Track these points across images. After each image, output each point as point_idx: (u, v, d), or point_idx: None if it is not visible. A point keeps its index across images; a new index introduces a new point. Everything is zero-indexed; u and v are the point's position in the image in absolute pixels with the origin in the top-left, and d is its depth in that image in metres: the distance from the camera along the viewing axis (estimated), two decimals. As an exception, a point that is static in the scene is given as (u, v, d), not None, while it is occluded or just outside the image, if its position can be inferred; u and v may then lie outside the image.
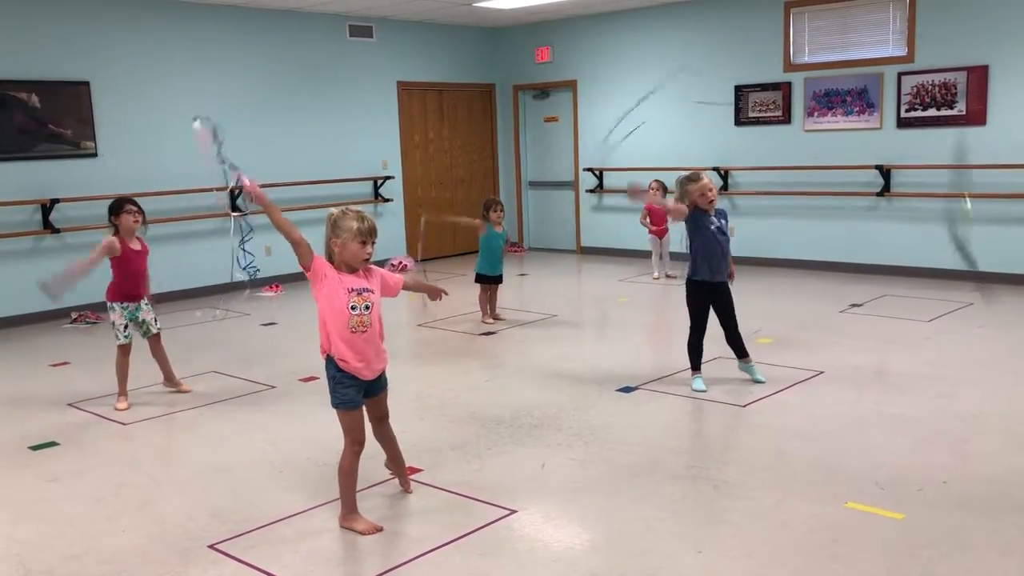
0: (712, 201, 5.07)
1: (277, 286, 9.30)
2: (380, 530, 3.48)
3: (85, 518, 3.74)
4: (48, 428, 4.96)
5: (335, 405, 3.48)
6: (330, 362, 3.45)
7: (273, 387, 5.62)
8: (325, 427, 4.69)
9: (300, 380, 5.73)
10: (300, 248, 3.37)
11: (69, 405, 5.39)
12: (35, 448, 4.64)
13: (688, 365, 5.29)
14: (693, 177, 5.11)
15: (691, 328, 5.22)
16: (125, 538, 3.53)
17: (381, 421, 3.71)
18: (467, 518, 3.57)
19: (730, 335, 5.25)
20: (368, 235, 3.37)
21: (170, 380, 5.58)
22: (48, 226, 7.98)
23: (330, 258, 3.42)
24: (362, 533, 3.46)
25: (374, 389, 3.56)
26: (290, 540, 3.46)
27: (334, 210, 3.43)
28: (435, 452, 4.33)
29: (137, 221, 5.27)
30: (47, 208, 7.96)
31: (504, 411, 4.94)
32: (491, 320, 7.32)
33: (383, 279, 3.56)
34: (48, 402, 5.47)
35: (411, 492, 3.85)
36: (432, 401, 5.20)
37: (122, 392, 5.31)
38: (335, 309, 3.37)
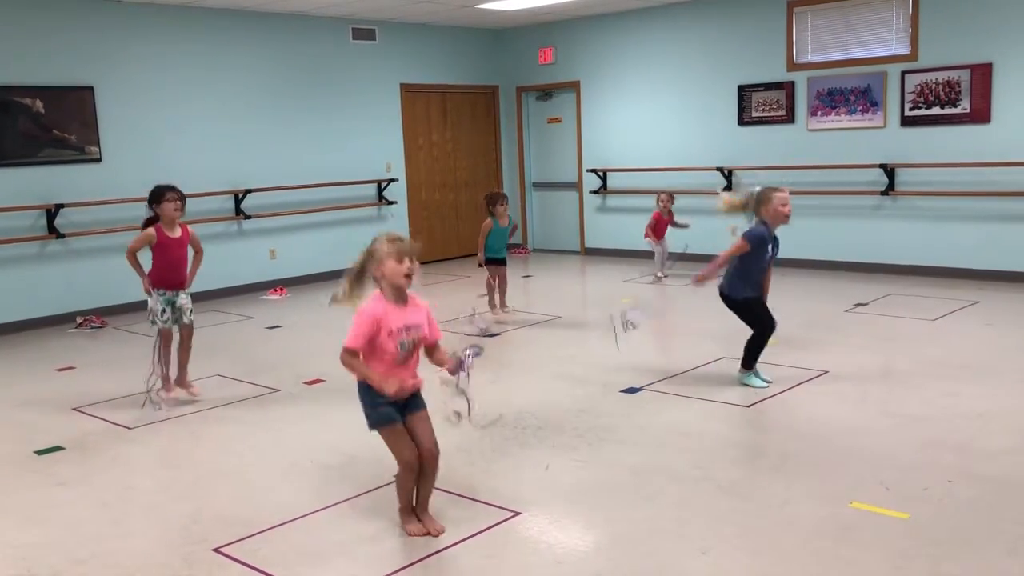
0: (788, 216, 5.06)
1: (282, 289, 9.32)
2: (428, 534, 3.46)
3: (91, 522, 3.75)
4: (54, 433, 4.97)
5: (375, 424, 3.48)
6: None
7: (277, 390, 5.63)
8: (330, 430, 4.71)
9: (305, 383, 5.74)
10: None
11: (74, 409, 5.39)
12: (41, 453, 4.65)
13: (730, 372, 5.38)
14: (775, 187, 5.14)
15: (762, 328, 5.17)
16: (130, 542, 3.54)
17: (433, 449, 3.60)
18: (472, 520, 3.58)
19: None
20: (402, 253, 3.33)
21: (181, 380, 5.50)
22: (53, 231, 8.00)
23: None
24: (409, 534, 3.48)
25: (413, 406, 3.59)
26: (295, 543, 3.46)
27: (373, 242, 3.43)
28: (440, 454, 4.32)
29: (178, 209, 5.30)
30: (52, 213, 7.98)
31: (508, 413, 4.94)
32: (501, 312, 7.39)
33: (430, 320, 3.57)
34: (54, 407, 5.48)
35: None
36: (437, 404, 5.18)
37: (166, 377, 5.36)
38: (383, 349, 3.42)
